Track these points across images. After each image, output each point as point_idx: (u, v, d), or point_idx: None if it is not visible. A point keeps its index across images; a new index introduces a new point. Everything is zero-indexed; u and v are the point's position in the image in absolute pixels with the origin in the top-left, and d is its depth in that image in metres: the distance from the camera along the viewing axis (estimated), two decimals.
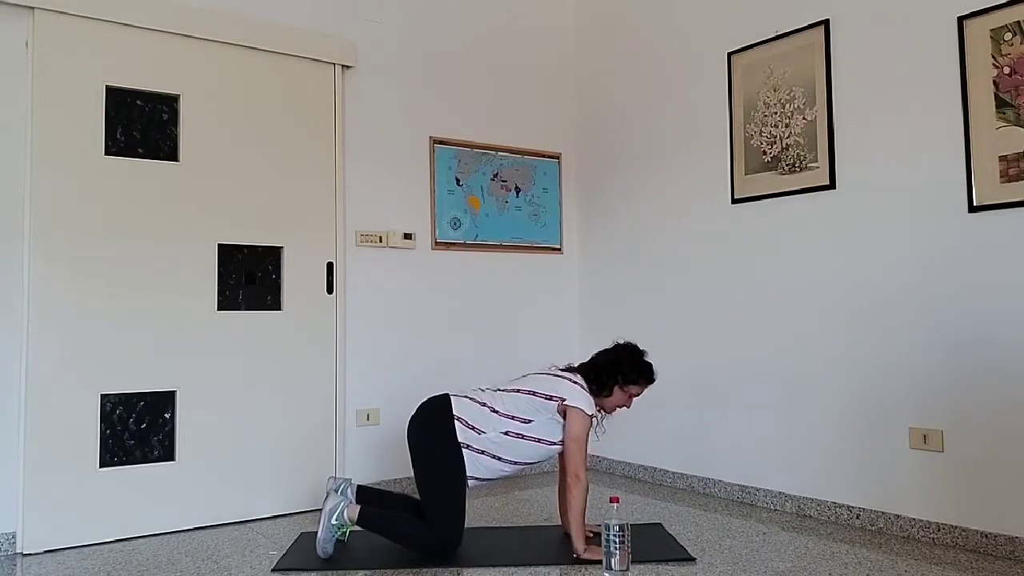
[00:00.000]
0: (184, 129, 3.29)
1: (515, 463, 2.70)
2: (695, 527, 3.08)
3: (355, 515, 2.69)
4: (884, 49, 3.07)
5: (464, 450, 2.63)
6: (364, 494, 2.90)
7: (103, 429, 3.07)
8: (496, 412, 2.68)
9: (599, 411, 2.81)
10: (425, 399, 2.83)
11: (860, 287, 3.12)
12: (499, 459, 2.67)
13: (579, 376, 2.77)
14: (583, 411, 2.67)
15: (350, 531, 2.74)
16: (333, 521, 2.66)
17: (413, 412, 2.80)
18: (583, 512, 2.66)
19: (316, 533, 2.70)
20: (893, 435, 2.99)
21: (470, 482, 2.67)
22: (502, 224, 4.23)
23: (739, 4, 3.64)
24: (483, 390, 2.81)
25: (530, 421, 2.67)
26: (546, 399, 2.69)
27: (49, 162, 3.00)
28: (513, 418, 2.67)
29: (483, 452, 2.65)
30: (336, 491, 2.77)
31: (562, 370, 2.84)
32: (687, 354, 3.82)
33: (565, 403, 2.68)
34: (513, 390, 2.75)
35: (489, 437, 2.65)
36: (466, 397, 2.75)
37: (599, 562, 2.52)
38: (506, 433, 2.66)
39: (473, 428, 2.65)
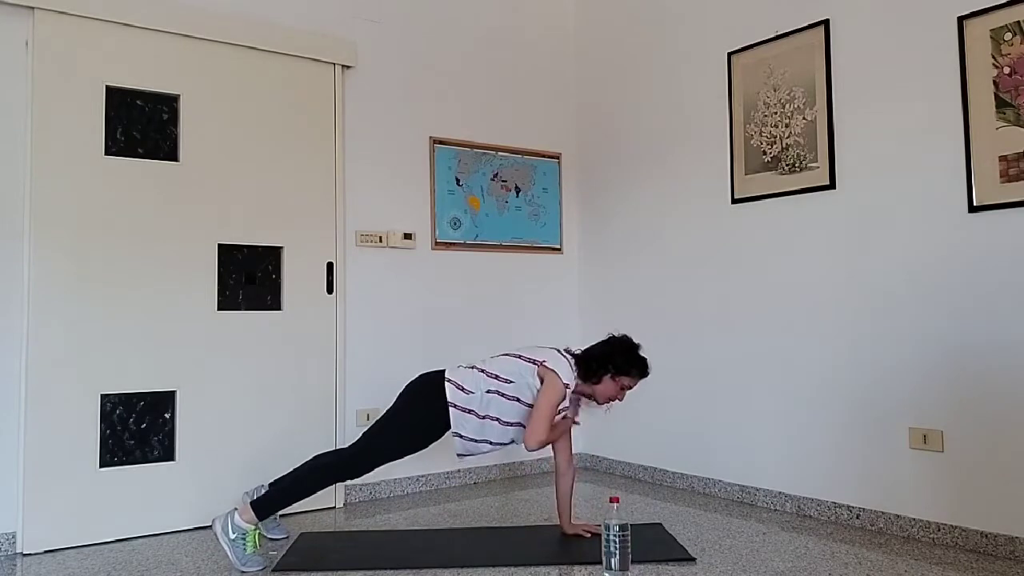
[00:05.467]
0: (184, 129, 3.29)
1: (493, 418, 2.75)
2: (695, 527, 3.08)
3: (250, 515, 2.62)
4: (884, 49, 3.07)
5: (452, 409, 2.73)
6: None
7: (103, 429, 3.07)
8: (484, 372, 2.80)
9: (590, 400, 2.87)
10: (424, 371, 2.97)
11: (860, 287, 3.12)
12: (479, 416, 2.74)
13: (570, 357, 2.82)
14: (559, 376, 2.71)
15: (259, 533, 2.64)
16: (231, 536, 2.59)
17: (412, 379, 2.93)
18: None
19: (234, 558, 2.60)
20: (893, 435, 2.99)
21: (458, 442, 2.77)
22: (502, 224, 4.23)
23: (739, 4, 3.64)
24: (481, 361, 2.94)
25: (511, 382, 2.77)
26: (529, 362, 2.79)
27: (49, 162, 3.00)
28: (497, 377, 2.78)
29: (469, 411, 2.75)
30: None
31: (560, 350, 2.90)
32: (687, 354, 3.82)
33: (545, 364, 2.74)
34: (503, 354, 2.90)
35: (476, 396, 2.75)
36: (461, 366, 2.90)
37: (598, 562, 2.52)
38: (488, 391, 2.76)
39: (463, 389, 2.76)
